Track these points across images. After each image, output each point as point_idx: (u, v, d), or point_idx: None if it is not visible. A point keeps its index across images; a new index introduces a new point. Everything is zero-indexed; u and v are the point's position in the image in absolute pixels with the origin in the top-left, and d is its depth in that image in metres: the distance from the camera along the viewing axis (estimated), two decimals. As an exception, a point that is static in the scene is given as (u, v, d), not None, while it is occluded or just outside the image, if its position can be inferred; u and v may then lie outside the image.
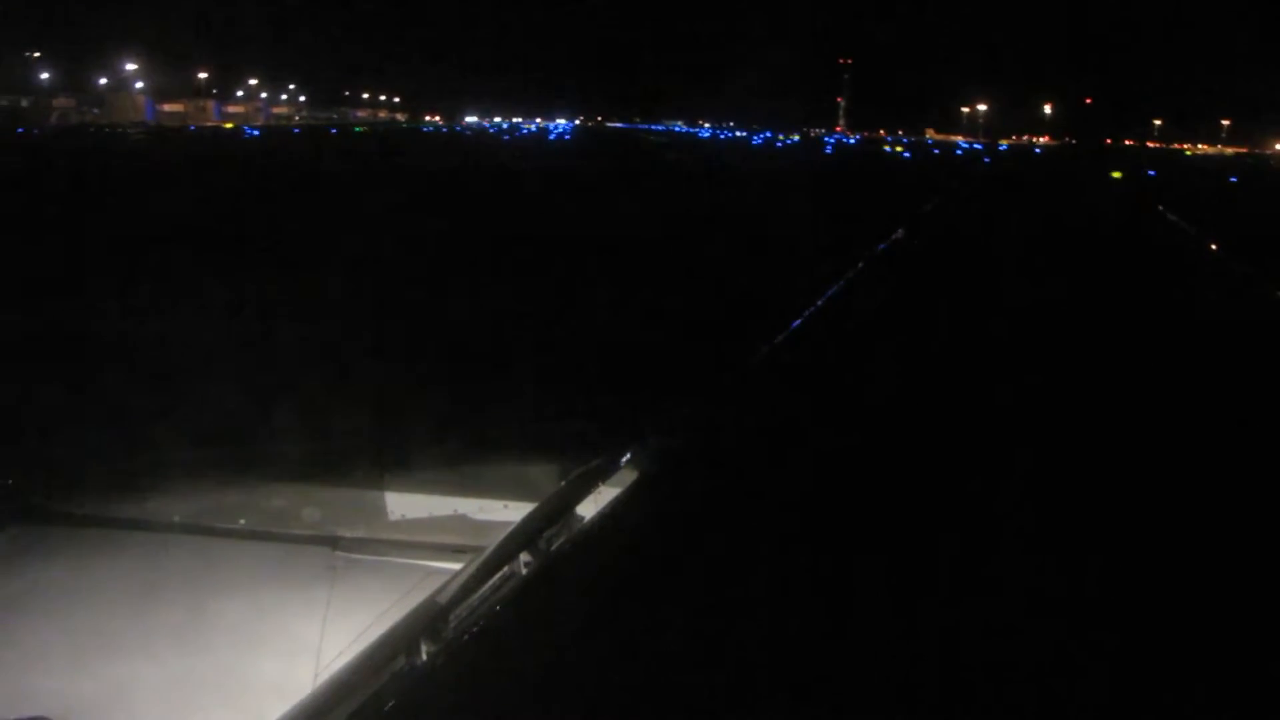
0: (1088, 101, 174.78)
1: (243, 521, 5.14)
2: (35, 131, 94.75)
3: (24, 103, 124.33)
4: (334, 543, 5.02)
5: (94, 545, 4.89)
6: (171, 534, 5.03)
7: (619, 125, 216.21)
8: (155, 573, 4.75)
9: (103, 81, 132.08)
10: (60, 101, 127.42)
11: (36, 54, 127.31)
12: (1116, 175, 73.28)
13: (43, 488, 5.39)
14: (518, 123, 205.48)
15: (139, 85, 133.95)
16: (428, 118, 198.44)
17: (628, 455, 4.66)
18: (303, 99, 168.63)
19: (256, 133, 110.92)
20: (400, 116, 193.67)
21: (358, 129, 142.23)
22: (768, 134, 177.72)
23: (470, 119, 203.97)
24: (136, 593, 4.65)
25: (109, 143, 74.35)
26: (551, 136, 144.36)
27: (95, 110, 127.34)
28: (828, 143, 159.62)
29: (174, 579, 4.74)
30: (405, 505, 5.31)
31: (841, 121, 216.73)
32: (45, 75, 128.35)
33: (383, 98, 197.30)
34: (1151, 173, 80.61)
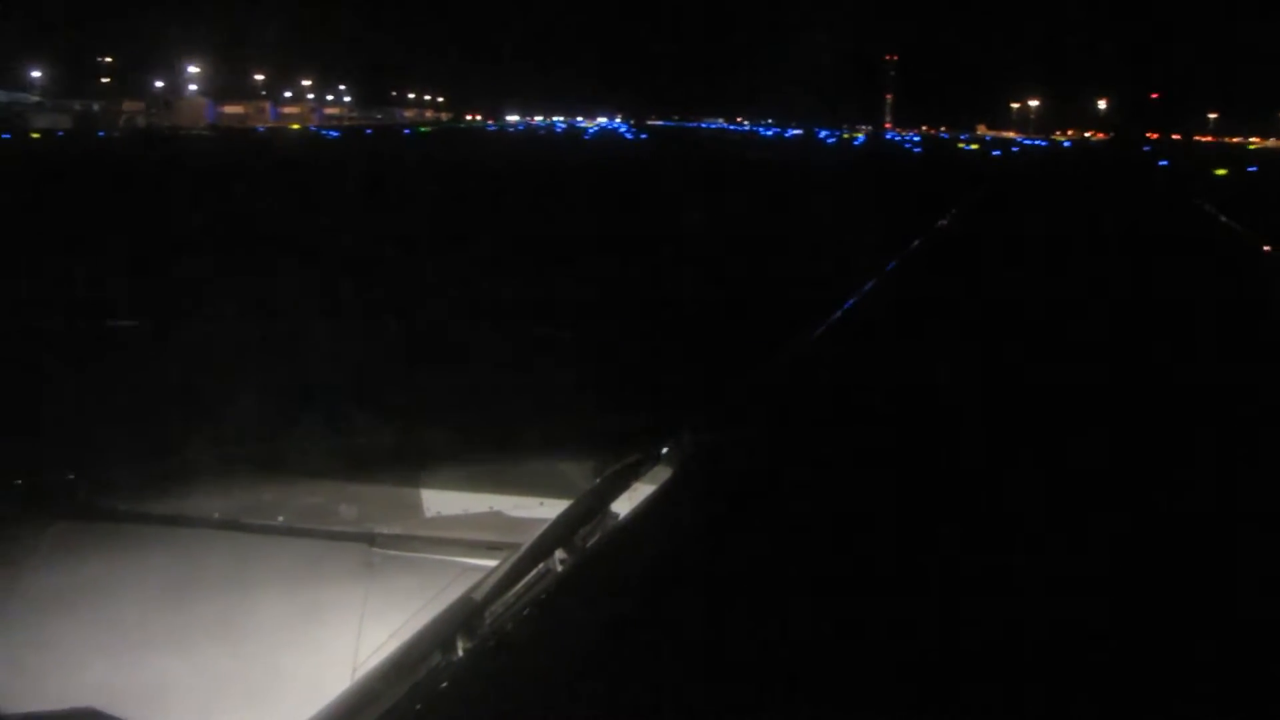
0: (1154, 96, 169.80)
1: (281, 518, 5.19)
2: (116, 135, 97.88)
3: (95, 107, 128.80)
4: (371, 539, 5.05)
5: (137, 541, 4.96)
6: (211, 530, 5.09)
7: (661, 124, 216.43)
8: (196, 568, 4.81)
9: (158, 84, 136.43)
10: (129, 105, 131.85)
11: (107, 59, 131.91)
12: (1221, 173, 70.31)
13: (88, 484, 5.49)
14: (567, 121, 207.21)
15: (192, 88, 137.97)
16: (468, 117, 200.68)
17: (664, 451, 4.62)
18: (347, 99, 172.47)
19: (336, 134, 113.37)
20: (443, 116, 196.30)
21: (424, 129, 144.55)
22: (833, 132, 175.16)
23: (511, 117, 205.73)
24: (178, 588, 4.71)
25: (202, 145, 76.73)
26: (629, 136, 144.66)
27: (153, 112, 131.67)
28: (894, 139, 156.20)
29: (214, 574, 4.80)
30: (441, 502, 5.33)
31: (888, 118, 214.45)
32: (106, 79, 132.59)
33: (427, 97, 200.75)
34: (1252, 168, 77.65)
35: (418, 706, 3.30)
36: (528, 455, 5.80)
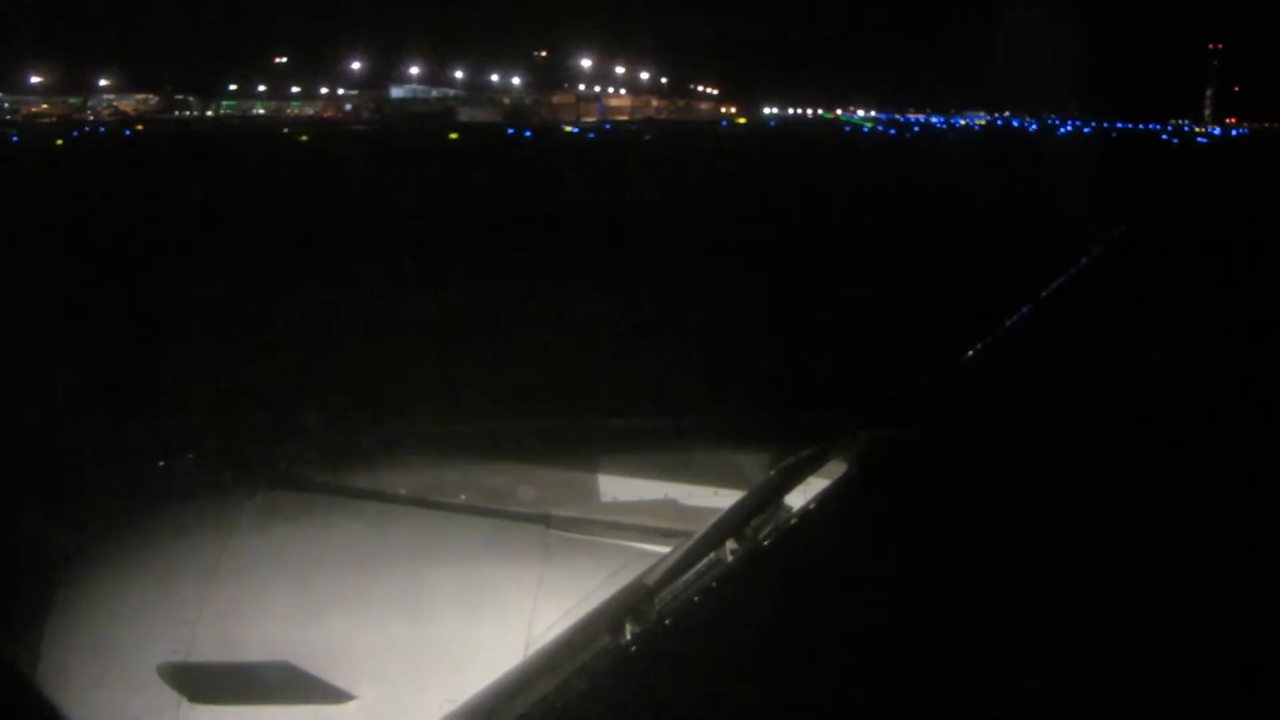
0: None
1: (463, 497, 5.36)
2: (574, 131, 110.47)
3: (527, 100, 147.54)
4: (547, 521, 5.15)
5: (331, 512, 5.24)
6: (399, 505, 5.31)
7: (918, 118, 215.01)
8: (383, 540, 5.05)
9: (579, 83, 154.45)
10: (559, 98, 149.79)
11: (542, 52, 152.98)
12: None
13: (290, 457, 5.83)
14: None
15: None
16: (724, 110, 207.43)
17: (840, 446, 4.51)
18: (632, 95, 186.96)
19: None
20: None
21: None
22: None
23: (768, 111, 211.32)
24: (367, 558, 4.96)
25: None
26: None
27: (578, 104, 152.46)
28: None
29: (400, 547, 5.02)
30: (616, 488, 5.39)
31: (1207, 112, 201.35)
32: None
33: (708, 91, 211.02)
34: None
35: (586, 685, 3.34)
36: (703, 445, 5.80)
